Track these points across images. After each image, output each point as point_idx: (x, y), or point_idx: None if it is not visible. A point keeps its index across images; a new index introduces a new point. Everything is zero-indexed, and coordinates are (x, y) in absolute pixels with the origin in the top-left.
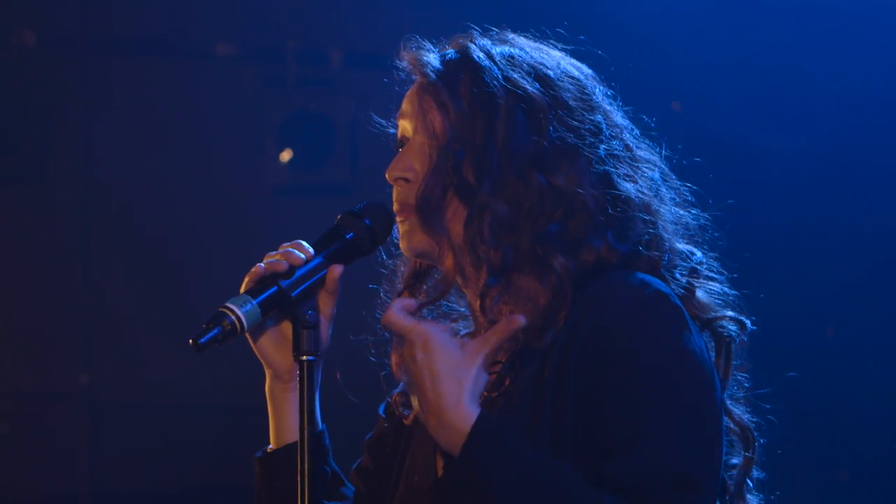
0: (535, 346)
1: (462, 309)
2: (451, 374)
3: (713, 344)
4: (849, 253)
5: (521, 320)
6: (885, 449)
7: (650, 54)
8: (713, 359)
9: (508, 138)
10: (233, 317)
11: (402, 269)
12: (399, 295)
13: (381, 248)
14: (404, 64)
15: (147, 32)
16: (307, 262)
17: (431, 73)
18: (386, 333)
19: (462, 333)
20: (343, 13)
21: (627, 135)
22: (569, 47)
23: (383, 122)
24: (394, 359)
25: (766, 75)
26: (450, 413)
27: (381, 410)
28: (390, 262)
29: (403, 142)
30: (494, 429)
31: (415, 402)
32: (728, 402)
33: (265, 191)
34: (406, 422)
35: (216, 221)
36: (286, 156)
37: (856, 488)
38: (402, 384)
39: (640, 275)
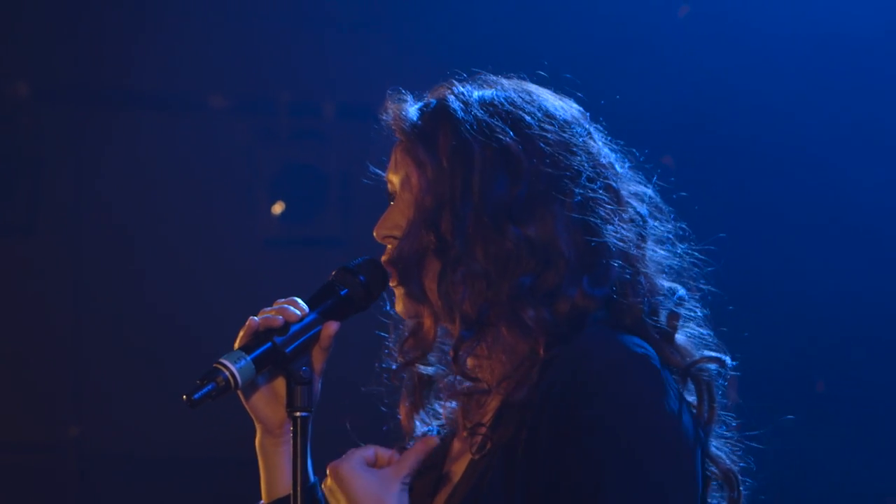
0: (511, 399)
1: None
2: (370, 499)
3: (694, 389)
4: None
5: (435, 440)
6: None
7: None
8: (695, 404)
9: (483, 191)
10: (227, 373)
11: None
12: (403, 344)
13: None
14: (387, 117)
15: (139, 85)
16: (302, 318)
17: (408, 129)
18: (396, 383)
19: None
20: (335, 66)
21: (612, 172)
22: (568, 88)
23: (379, 171)
24: (402, 409)
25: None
26: None
27: None
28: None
29: (393, 196)
30: None
31: None
32: (713, 445)
33: (257, 242)
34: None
35: (208, 273)
36: (278, 208)
37: None
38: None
39: (619, 335)
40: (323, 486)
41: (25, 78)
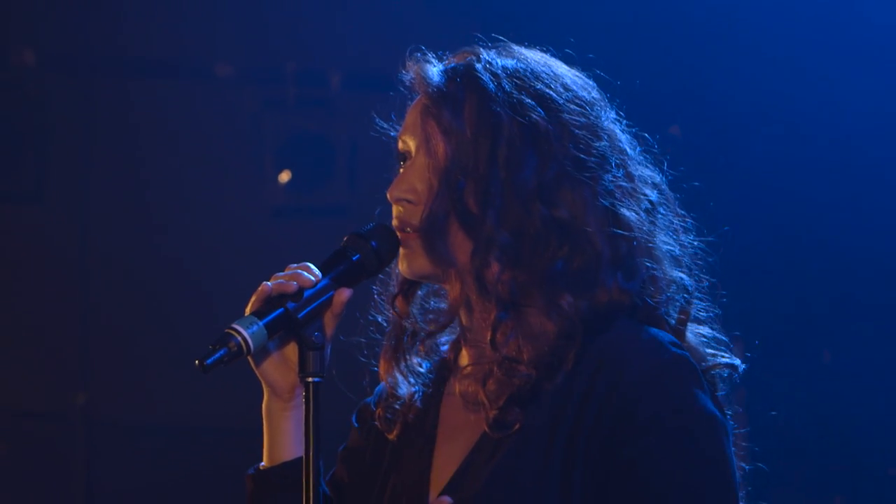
0: (544, 387)
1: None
2: None
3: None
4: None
5: (447, 500)
6: (881, 476)
7: (652, 63)
8: None
9: (511, 168)
10: (239, 338)
11: (397, 271)
12: (393, 299)
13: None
14: (409, 76)
15: (146, 53)
16: (315, 284)
17: (433, 91)
18: (378, 335)
19: (443, 340)
20: (342, 35)
21: (627, 156)
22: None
23: (384, 125)
24: (382, 363)
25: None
26: None
27: (353, 419)
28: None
29: (405, 156)
30: None
31: None
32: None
33: (264, 212)
34: (390, 437)
35: (215, 242)
36: (285, 177)
37: None
38: (377, 391)
39: (654, 332)
40: (362, 406)
41: (32, 46)
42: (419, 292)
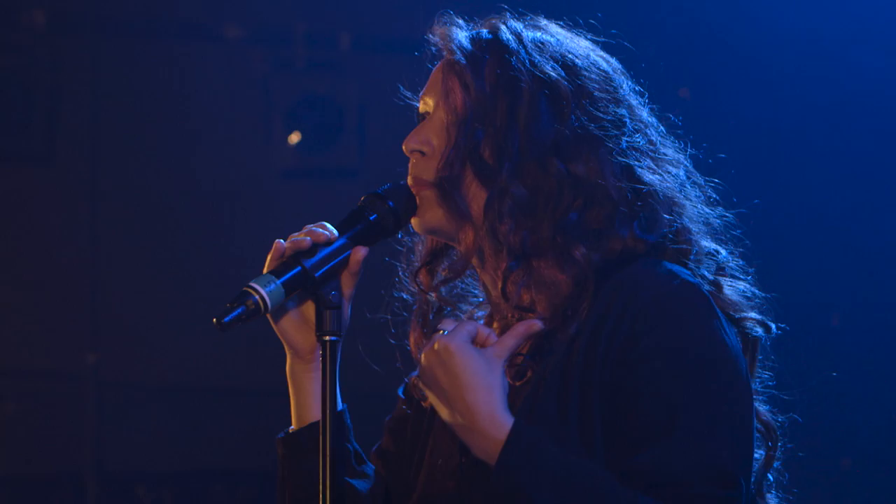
0: (559, 337)
1: (476, 292)
2: (480, 382)
3: (740, 341)
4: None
5: (538, 324)
6: (887, 437)
7: (677, 47)
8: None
9: (530, 123)
10: (257, 296)
11: (420, 247)
12: (416, 273)
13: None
14: (436, 39)
15: (156, 14)
16: (331, 242)
17: (458, 52)
18: (404, 313)
19: (478, 315)
20: None
21: (652, 131)
22: (600, 39)
23: (409, 94)
24: (412, 338)
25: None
26: (484, 423)
27: (399, 392)
28: (408, 238)
29: (424, 117)
30: (531, 437)
31: (441, 410)
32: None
33: (273, 173)
34: (425, 404)
35: (224, 203)
36: (294, 139)
37: (858, 476)
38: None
39: (668, 264)
40: (411, 380)
41: (41, 7)
42: (443, 265)
